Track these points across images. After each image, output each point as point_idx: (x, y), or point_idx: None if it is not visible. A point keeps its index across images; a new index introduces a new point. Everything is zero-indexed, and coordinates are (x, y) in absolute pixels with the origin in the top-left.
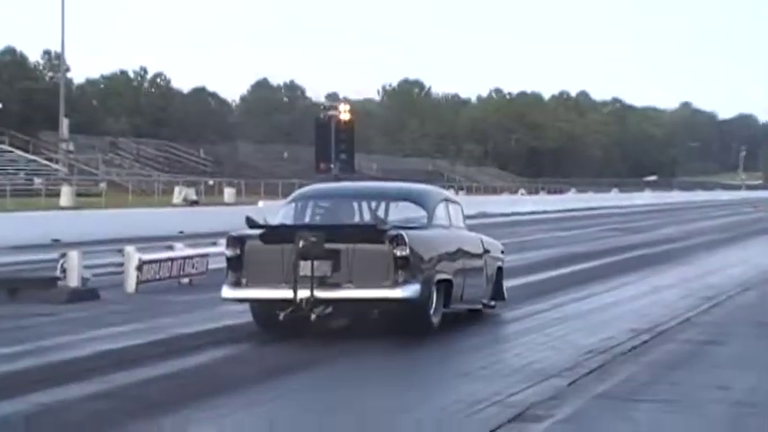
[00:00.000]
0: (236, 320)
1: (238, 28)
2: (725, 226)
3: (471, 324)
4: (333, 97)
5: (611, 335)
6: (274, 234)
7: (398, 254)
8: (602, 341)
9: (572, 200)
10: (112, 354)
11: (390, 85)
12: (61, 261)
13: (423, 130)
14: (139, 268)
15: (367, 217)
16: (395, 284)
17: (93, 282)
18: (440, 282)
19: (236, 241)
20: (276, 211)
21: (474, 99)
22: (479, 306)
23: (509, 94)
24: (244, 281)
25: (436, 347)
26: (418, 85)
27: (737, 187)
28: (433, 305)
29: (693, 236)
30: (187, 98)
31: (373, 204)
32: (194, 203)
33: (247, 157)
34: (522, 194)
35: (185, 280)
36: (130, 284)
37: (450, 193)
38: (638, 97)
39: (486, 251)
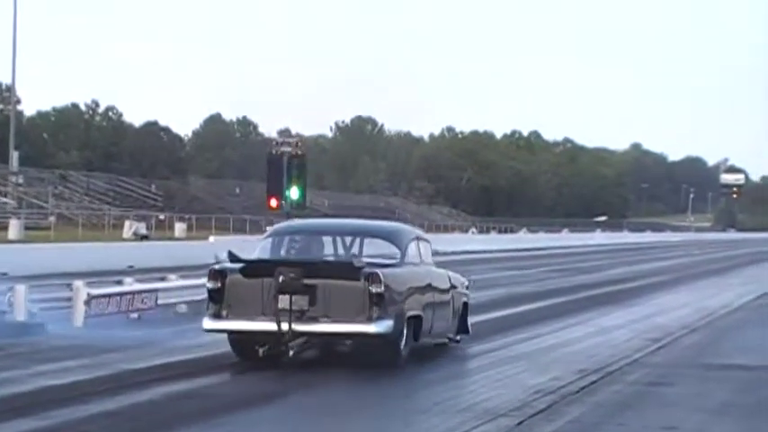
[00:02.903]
0: (189, 355)
1: (191, 62)
2: (673, 268)
3: (430, 359)
4: (285, 133)
5: (559, 375)
6: (254, 268)
7: (374, 290)
8: (550, 381)
9: (523, 239)
10: (57, 389)
11: (343, 122)
12: (8, 295)
13: (375, 167)
14: (88, 302)
15: (342, 253)
16: (369, 320)
17: (41, 316)
18: (410, 318)
19: (218, 274)
20: (254, 247)
21: (426, 137)
22: (446, 340)
23: (461, 132)
24: (224, 313)
25: (400, 382)
26: (371, 122)
27: (686, 229)
28: (404, 340)
29: (642, 277)
30: (139, 132)
31: (348, 241)
32: (144, 238)
33: (199, 191)
34: (473, 233)
35: (134, 315)
36: (78, 319)
37: (420, 231)
38: (589, 138)
39: (453, 286)
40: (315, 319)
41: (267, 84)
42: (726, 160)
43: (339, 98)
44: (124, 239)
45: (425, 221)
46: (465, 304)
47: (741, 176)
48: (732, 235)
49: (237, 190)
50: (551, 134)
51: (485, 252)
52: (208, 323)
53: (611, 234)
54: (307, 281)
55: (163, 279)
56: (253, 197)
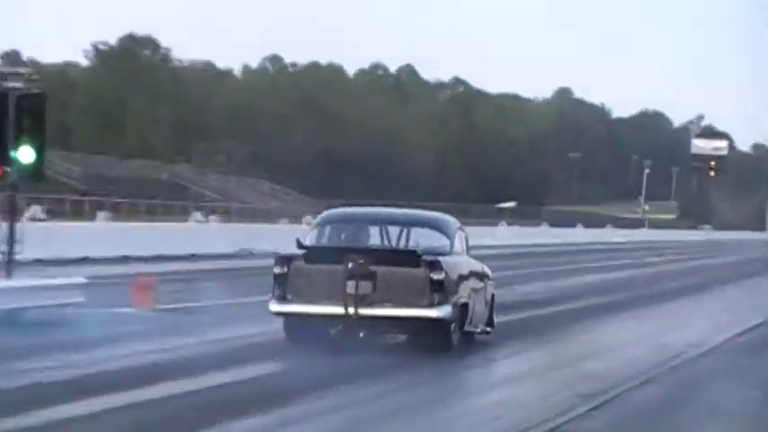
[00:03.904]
0: None
1: None
2: (614, 284)
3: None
4: (13, 58)
5: None
6: (320, 255)
7: (435, 277)
8: None
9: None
10: None
11: (106, 44)
12: None
13: (154, 116)
14: None
15: (394, 242)
16: (431, 305)
17: None
18: (461, 305)
19: (284, 260)
20: (306, 233)
21: (237, 70)
22: (478, 330)
23: (293, 65)
24: (289, 296)
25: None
26: (150, 44)
27: (638, 224)
28: (455, 326)
29: (566, 298)
30: None
31: (399, 230)
32: None
33: None
34: (308, 224)
35: None
36: None
37: (459, 223)
38: (492, 79)
39: (487, 276)
40: (377, 304)
41: None
42: (700, 118)
43: (100, 6)
44: None
45: (235, 204)
46: (493, 296)
47: (723, 144)
48: (706, 235)
49: None
50: (434, 72)
51: None
52: (274, 306)
53: (521, 230)
54: (371, 267)
55: None
56: None
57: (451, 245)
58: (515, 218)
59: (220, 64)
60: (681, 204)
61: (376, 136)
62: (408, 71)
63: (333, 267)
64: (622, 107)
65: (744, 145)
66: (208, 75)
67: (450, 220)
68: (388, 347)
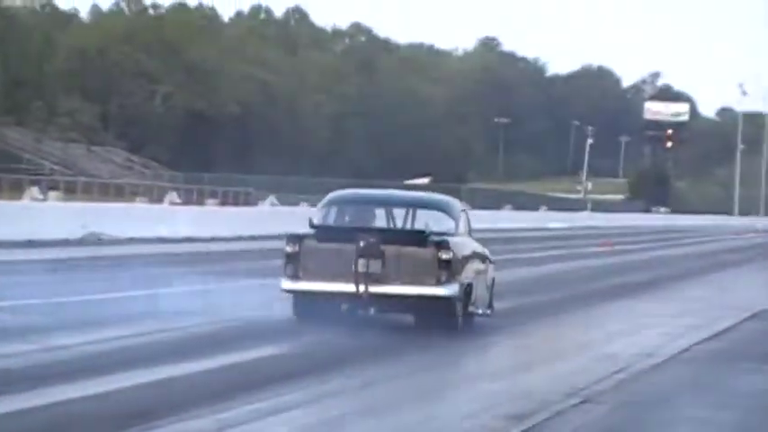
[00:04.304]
0: None
1: None
2: (549, 279)
3: None
4: None
5: None
6: (332, 234)
7: (443, 257)
8: None
9: (269, 218)
10: None
11: None
12: None
13: None
14: None
15: (401, 223)
16: (438, 283)
17: None
18: (466, 285)
19: (295, 239)
20: (313, 214)
21: (85, 12)
22: (480, 312)
23: (153, 6)
24: (300, 274)
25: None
26: None
27: (580, 206)
28: (461, 306)
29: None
30: None
31: (406, 212)
32: None
33: None
34: (174, 203)
35: None
36: None
37: (463, 205)
38: (400, 26)
39: (488, 258)
40: (387, 282)
41: None
42: (655, 77)
43: None
44: None
45: (81, 177)
46: (493, 279)
47: (683, 108)
48: (662, 219)
49: None
50: (329, 17)
51: (193, 240)
52: (286, 284)
53: None
54: (381, 247)
55: None
56: None
57: (457, 226)
58: None
59: (64, 5)
60: (631, 182)
61: (256, 96)
62: (297, 16)
63: (344, 246)
64: (560, 62)
65: (708, 109)
66: (47, 18)
67: (455, 202)
68: (394, 326)
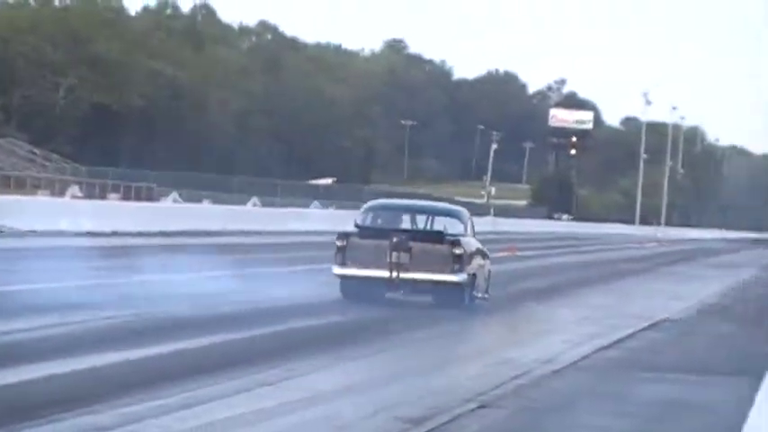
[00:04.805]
0: None
1: None
2: None
3: None
4: None
5: None
6: (371, 233)
7: (456, 252)
8: None
9: (171, 214)
10: None
11: None
12: None
13: None
14: None
15: (423, 225)
16: (452, 272)
17: None
18: (470, 275)
19: (344, 235)
20: (356, 217)
21: None
22: (479, 296)
23: None
24: (347, 263)
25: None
26: None
27: (482, 211)
28: (468, 290)
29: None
30: None
31: (426, 218)
32: None
33: None
34: (75, 197)
35: None
36: None
37: (469, 213)
38: (307, 25)
39: (487, 255)
40: (414, 270)
41: None
42: (561, 84)
43: None
44: None
45: None
46: (489, 271)
47: (588, 116)
48: (564, 225)
49: None
50: (236, 14)
51: (95, 235)
52: (337, 270)
53: (339, 213)
54: (409, 243)
55: None
56: None
57: (465, 229)
58: (333, 198)
59: None
60: (534, 188)
61: (162, 91)
62: (204, 12)
63: (380, 242)
64: (467, 67)
65: (613, 118)
66: None
67: (465, 212)
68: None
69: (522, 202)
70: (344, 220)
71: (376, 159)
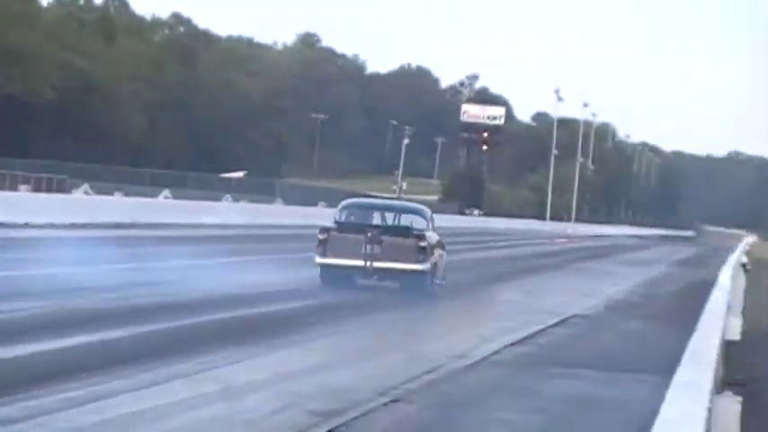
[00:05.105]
0: None
1: None
2: None
3: None
4: None
5: None
6: (348, 227)
7: (421, 245)
8: None
9: (79, 206)
10: None
11: None
12: None
13: None
14: None
15: (392, 221)
16: (418, 262)
17: None
18: (433, 263)
19: (325, 230)
20: (333, 214)
21: None
22: (438, 282)
23: None
24: (327, 253)
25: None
26: None
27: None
28: (431, 276)
29: (304, 294)
30: None
31: (394, 215)
32: None
33: None
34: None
35: None
36: None
37: (430, 210)
38: (220, 18)
39: (444, 247)
40: (384, 260)
41: None
42: (473, 79)
43: None
44: None
45: None
46: (445, 260)
47: (500, 111)
48: (475, 221)
49: None
50: (149, 6)
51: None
52: (319, 259)
53: (250, 206)
54: (381, 237)
55: None
56: None
57: (428, 225)
58: (244, 191)
59: None
60: (446, 183)
61: (73, 82)
62: (116, 3)
63: (356, 236)
64: (380, 61)
65: (524, 114)
66: None
67: (427, 210)
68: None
69: (434, 198)
70: (254, 214)
71: (287, 153)
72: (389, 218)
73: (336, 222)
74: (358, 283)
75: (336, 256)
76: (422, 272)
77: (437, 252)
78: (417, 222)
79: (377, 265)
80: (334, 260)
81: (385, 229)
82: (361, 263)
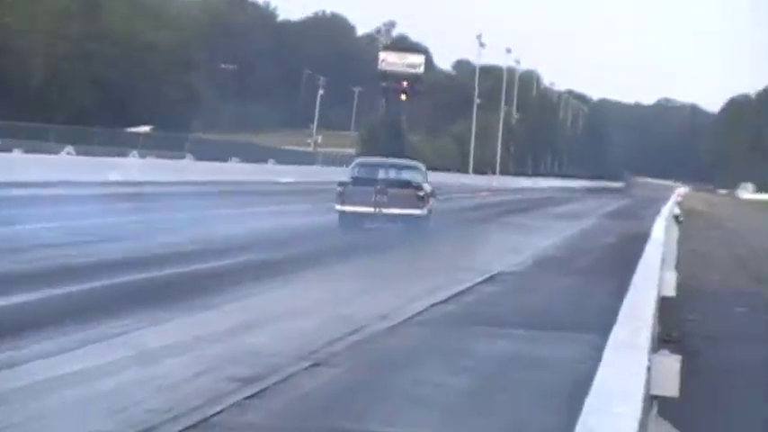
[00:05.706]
0: None
1: None
2: (285, 235)
3: None
4: None
5: None
6: (361, 182)
7: (419, 194)
8: None
9: None
10: None
11: None
12: None
13: None
14: None
15: (395, 176)
16: (417, 208)
17: None
18: (429, 209)
19: (342, 183)
20: (348, 171)
21: None
22: (431, 224)
23: None
24: (345, 202)
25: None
26: None
27: (309, 160)
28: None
29: (219, 253)
30: None
31: (397, 170)
32: None
33: None
34: None
35: None
36: None
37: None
38: None
39: (435, 194)
40: (390, 207)
41: None
42: (391, 26)
43: None
44: None
45: None
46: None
47: (419, 60)
48: None
49: None
50: None
51: None
52: (338, 207)
53: (159, 162)
54: (387, 188)
55: None
56: None
57: (424, 178)
58: (152, 147)
59: None
60: (363, 135)
61: None
62: None
63: (368, 188)
64: (292, 8)
65: (445, 62)
66: None
67: (422, 166)
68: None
69: (350, 151)
70: (162, 170)
71: (198, 107)
72: (393, 173)
73: (352, 177)
74: (365, 226)
75: (352, 204)
76: (421, 216)
77: (431, 200)
78: (416, 176)
79: (384, 211)
80: (350, 207)
81: (390, 182)
82: (371, 210)
